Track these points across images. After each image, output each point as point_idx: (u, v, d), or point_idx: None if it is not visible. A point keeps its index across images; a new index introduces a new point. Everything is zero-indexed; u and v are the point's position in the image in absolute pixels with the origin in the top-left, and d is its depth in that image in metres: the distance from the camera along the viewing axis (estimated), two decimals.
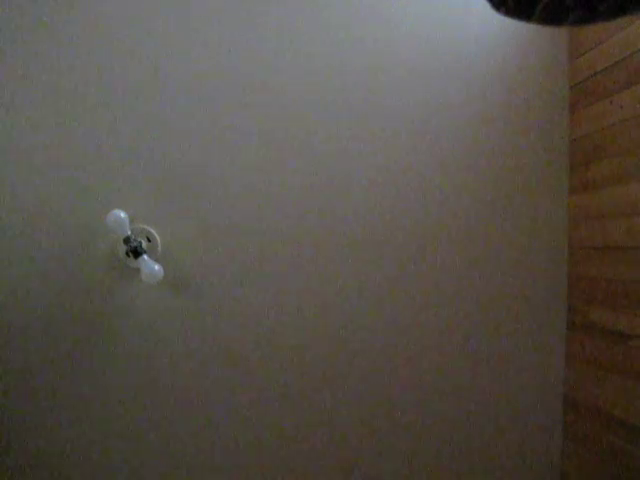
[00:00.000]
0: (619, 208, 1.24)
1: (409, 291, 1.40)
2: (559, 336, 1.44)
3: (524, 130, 1.43)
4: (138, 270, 1.28)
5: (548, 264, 1.43)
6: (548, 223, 1.44)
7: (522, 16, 0.49)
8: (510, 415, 1.43)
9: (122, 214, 1.26)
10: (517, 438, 1.43)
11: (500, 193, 1.42)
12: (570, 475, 1.40)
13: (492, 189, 1.42)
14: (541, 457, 1.44)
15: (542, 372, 1.43)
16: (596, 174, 1.33)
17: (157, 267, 1.27)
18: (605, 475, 1.25)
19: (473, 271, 1.41)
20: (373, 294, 1.39)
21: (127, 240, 1.26)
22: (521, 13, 0.49)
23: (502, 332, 1.42)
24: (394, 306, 1.40)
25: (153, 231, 1.32)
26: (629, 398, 1.18)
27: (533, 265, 1.43)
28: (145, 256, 1.27)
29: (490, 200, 1.42)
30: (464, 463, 1.43)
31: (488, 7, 1.39)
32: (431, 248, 1.40)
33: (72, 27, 1.30)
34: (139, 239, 1.29)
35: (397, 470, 1.41)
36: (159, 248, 1.32)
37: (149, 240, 1.31)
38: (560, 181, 1.44)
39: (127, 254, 1.27)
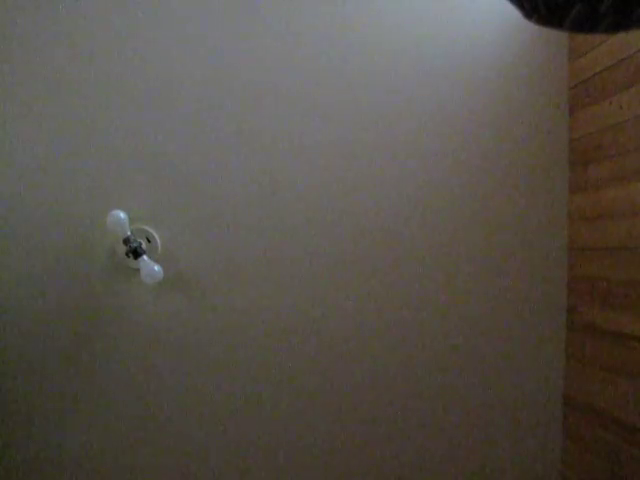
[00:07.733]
0: (619, 208, 1.24)
1: (408, 291, 1.40)
2: (559, 336, 1.44)
3: (524, 130, 1.42)
4: (138, 270, 1.28)
5: (548, 264, 1.43)
6: (548, 223, 1.44)
7: (554, 24, 0.49)
8: (510, 415, 1.43)
9: (122, 214, 1.26)
10: (517, 438, 1.43)
11: (500, 193, 1.42)
12: (570, 475, 1.40)
13: (492, 189, 1.42)
14: (541, 457, 1.44)
15: (542, 372, 1.43)
16: (596, 174, 1.33)
17: (157, 268, 1.27)
18: (605, 475, 1.25)
19: (473, 271, 1.41)
20: (373, 294, 1.39)
21: (127, 240, 1.26)
22: (553, 21, 0.49)
23: (502, 332, 1.42)
24: (394, 305, 1.39)
25: (153, 231, 1.32)
26: (629, 398, 1.18)
27: (533, 265, 1.43)
28: (145, 257, 1.27)
29: (490, 200, 1.42)
30: (464, 463, 1.42)
31: (488, 8, 1.39)
32: (431, 248, 1.40)
33: (74, 28, 1.30)
34: (139, 240, 1.29)
35: (397, 471, 1.41)
36: (159, 249, 1.32)
37: (149, 241, 1.31)
38: (560, 181, 1.44)
39: (127, 255, 1.27)
